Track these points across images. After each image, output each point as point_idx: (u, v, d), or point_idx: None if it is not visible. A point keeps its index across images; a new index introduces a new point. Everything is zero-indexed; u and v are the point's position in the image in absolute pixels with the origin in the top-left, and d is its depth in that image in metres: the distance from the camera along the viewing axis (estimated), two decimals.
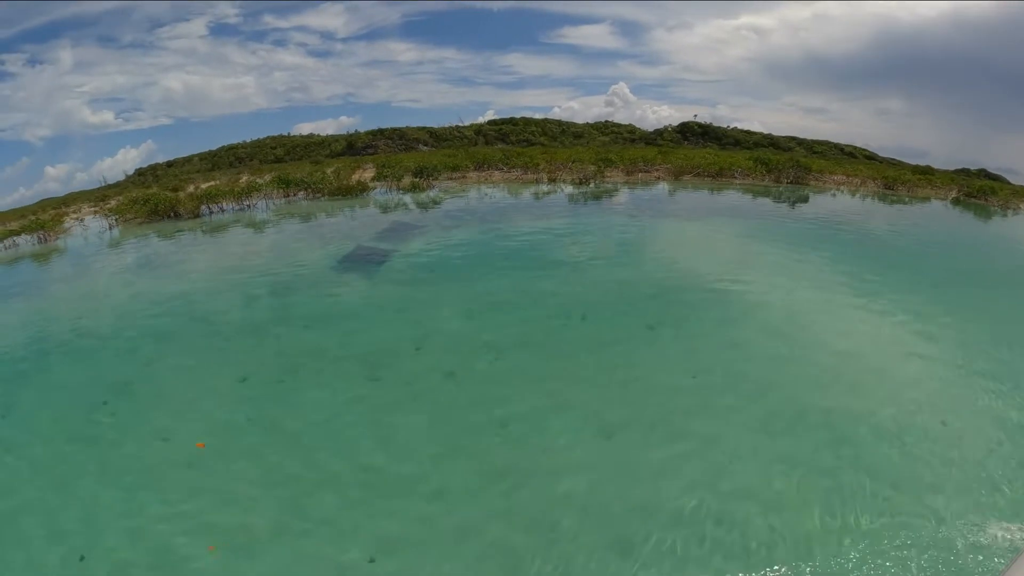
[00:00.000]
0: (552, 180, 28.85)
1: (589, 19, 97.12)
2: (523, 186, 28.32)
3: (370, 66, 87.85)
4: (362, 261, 15.26)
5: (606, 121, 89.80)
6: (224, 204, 26.08)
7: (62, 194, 54.24)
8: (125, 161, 70.56)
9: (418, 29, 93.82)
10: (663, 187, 28.53)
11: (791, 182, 29.74)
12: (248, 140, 79.58)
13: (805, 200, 25.50)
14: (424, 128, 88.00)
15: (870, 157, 50.48)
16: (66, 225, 26.51)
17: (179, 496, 6.50)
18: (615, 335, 10.23)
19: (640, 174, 31.94)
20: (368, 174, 32.16)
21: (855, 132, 75.90)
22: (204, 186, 34.22)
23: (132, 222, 24.96)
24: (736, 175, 31.29)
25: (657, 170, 32.26)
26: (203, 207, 25.44)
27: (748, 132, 67.07)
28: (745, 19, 69.90)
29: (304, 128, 79.96)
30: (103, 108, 66.65)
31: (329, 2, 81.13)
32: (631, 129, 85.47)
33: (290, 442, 7.42)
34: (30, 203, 49.74)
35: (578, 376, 8.84)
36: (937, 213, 24.70)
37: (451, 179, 31.80)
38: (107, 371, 9.81)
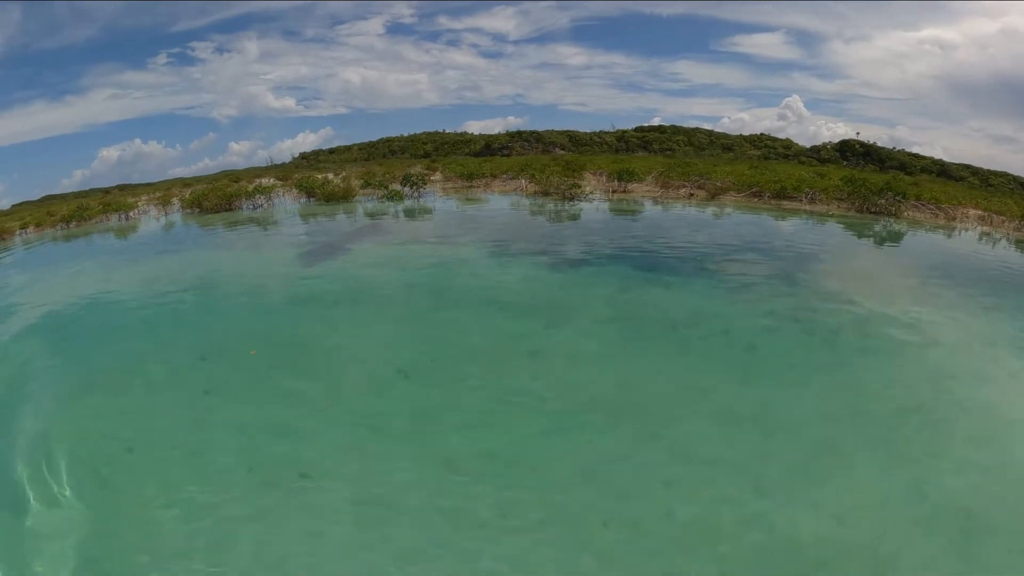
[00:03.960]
0: (546, 193, 23.08)
1: (762, 27, 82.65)
2: (504, 196, 23.22)
3: (539, 68, 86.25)
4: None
5: (760, 134, 75.70)
6: (243, 202, 26.20)
7: (242, 167, 62.08)
8: (304, 144, 78.14)
9: (587, 33, 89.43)
10: (660, 207, 20.74)
11: (878, 212, 19.22)
12: (406, 134, 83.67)
13: (880, 241, 15.93)
14: (564, 132, 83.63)
15: None
16: (142, 207, 29.65)
17: None
18: None
19: (668, 190, 24.08)
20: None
21: None
22: (319, 176, 35.42)
23: (184, 211, 26.64)
24: (803, 199, 21.52)
25: (688, 187, 23.92)
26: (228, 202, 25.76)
27: (916, 156, 49.42)
28: (928, 32, 52.27)
29: (473, 126, 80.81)
30: (285, 95, 74.98)
31: (501, 5, 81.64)
32: (787, 144, 70.69)
33: None
34: (213, 172, 58.11)
35: None
36: None
37: (470, 187, 27.97)
38: None
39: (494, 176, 30.53)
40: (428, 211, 20.99)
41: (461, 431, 5.79)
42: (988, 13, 46.01)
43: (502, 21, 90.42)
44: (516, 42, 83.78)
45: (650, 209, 20.40)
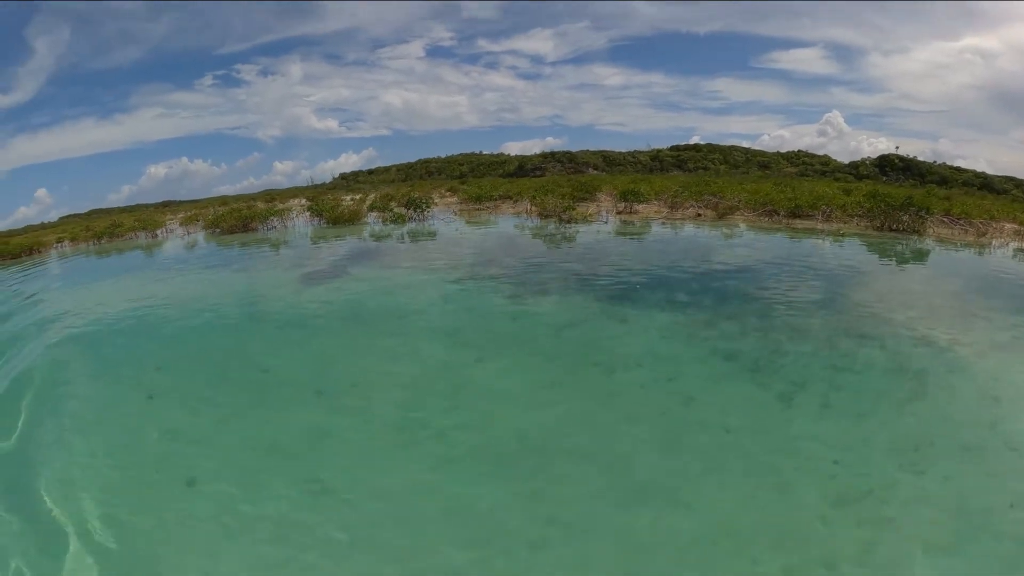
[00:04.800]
0: (547, 216, 22.08)
1: (799, 42, 79.57)
2: (511, 218, 22.54)
3: (577, 89, 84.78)
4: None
5: (798, 151, 72.89)
6: (258, 224, 26.56)
7: (285, 187, 62.48)
8: (347, 164, 77.92)
9: (624, 54, 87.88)
10: (671, 228, 19.33)
11: (900, 229, 17.18)
12: (443, 156, 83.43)
13: (889, 263, 14.15)
14: (599, 152, 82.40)
15: None
16: (169, 226, 30.75)
17: None
18: None
19: (675, 210, 22.64)
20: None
21: None
22: (347, 198, 35.97)
23: (205, 231, 27.46)
24: (818, 217, 19.67)
25: (696, 206, 22.39)
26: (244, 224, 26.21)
27: (958, 169, 45.54)
28: (968, 41, 48.76)
29: (512, 147, 79.99)
30: (328, 116, 74.68)
31: (538, 27, 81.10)
32: (825, 160, 67.43)
33: None
34: (257, 191, 58.60)
35: None
36: None
37: (477, 209, 27.48)
38: None
39: (507, 198, 29.93)
40: (425, 234, 20.45)
41: (348, 459, 5.72)
42: None
43: (540, 43, 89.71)
44: (554, 63, 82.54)
45: (649, 231, 19.10)
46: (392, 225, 22.98)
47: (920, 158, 50.07)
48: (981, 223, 17.73)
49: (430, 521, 4.75)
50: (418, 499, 5.04)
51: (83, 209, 55.00)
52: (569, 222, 20.26)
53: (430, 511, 4.88)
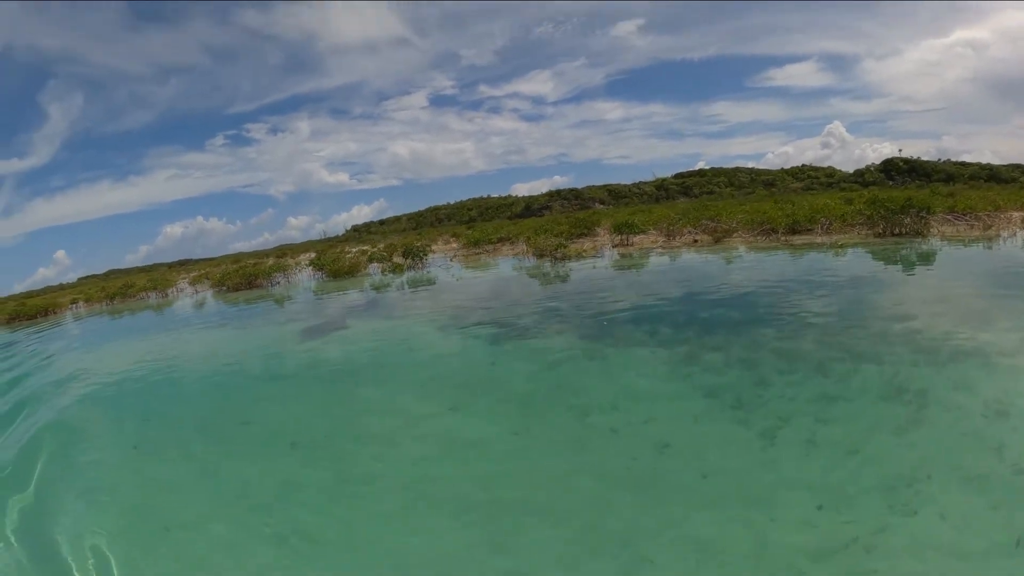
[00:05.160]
0: (541, 256, 21.96)
1: (793, 57, 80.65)
2: (509, 260, 22.46)
3: (579, 126, 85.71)
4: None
5: (802, 165, 72.95)
6: (262, 280, 27.00)
7: (300, 241, 62.50)
8: (359, 216, 78.74)
9: (622, 87, 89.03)
10: (665, 259, 18.93)
11: (903, 233, 16.53)
12: (452, 202, 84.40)
13: (885, 272, 13.56)
14: (603, 186, 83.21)
15: None
16: (179, 285, 31.55)
17: None
18: None
19: (672, 238, 22.32)
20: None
21: None
22: (353, 250, 36.76)
23: (213, 288, 28.13)
24: (817, 231, 19.12)
25: (693, 233, 22.03)
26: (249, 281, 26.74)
27: (962, 164, 44.74)
28: (958, 34, 49.38)
29: (520, 189, 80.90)
30: (338, 170, 75.95)
31: (537, 69, 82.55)
32: (830, 172, 67.12)
33: None
34: (272, 246, 58.76)
35: None
36: None
37: (476, 253, 27.57)
38: None
39: (506, 240, 30.10)
40: (422, 282, 20.45)
41: (312, 507, 5.69)
42: (1014, 2, 42.18)
43: (540, 84, 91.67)
44: (555, 103, 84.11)
45: (642, 263, 18.75)
46: (392, 275, 23.12)
47: (925, 158, 49.36)
48: (987, 216, 17.03)
49: (387, 567, 4.64)
50: (376, 546, 4.94)
51: (101, 269, 56.10)
52: (563, 260, 20.08)
53: (389, 558, 4.75)
